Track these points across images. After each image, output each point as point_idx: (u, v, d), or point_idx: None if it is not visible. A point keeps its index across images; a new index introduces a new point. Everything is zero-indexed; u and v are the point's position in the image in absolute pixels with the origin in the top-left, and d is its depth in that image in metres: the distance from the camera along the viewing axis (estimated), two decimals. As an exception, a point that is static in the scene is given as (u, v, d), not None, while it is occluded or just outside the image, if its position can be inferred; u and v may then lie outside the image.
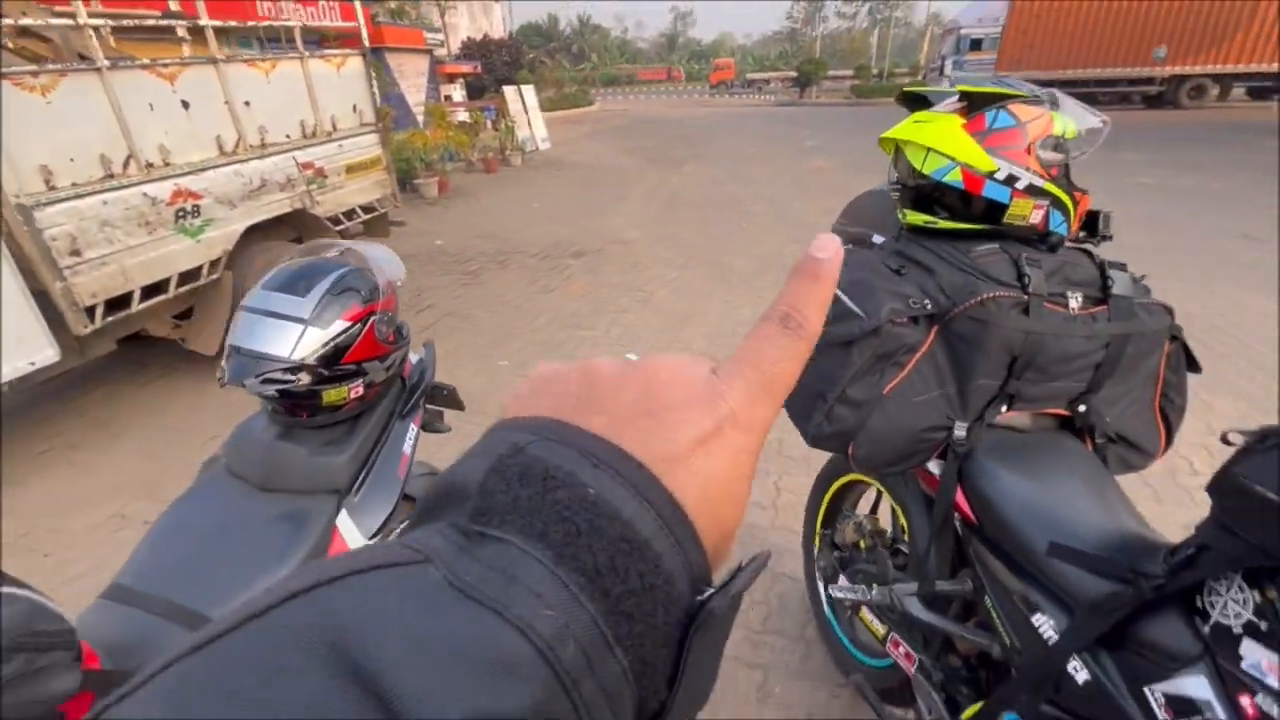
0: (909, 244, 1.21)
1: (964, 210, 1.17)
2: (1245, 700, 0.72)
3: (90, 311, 2.90)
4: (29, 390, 2.95)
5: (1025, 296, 1.07)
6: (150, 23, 3.89)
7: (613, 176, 10.27)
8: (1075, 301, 1.10)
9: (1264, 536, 0.71)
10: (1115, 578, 0.90)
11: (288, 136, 3.95)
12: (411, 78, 17.28)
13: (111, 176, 2.96)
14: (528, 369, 2.73)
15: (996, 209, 1.12)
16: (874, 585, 1.35)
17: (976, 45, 18.43)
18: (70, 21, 2.88)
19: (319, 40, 5.69)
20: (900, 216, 1.27)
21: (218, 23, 3.63)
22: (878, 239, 1.33)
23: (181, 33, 4.36)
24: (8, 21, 2.94)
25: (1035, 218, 1.12)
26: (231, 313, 3.50)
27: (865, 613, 1.47)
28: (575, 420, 0.21)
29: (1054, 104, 1.11)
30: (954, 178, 1.12)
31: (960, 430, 1.13)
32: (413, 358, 1.46)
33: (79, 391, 3.62)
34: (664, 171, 10.44)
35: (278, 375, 1.07)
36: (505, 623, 0.16)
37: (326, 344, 1.12)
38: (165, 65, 3.21)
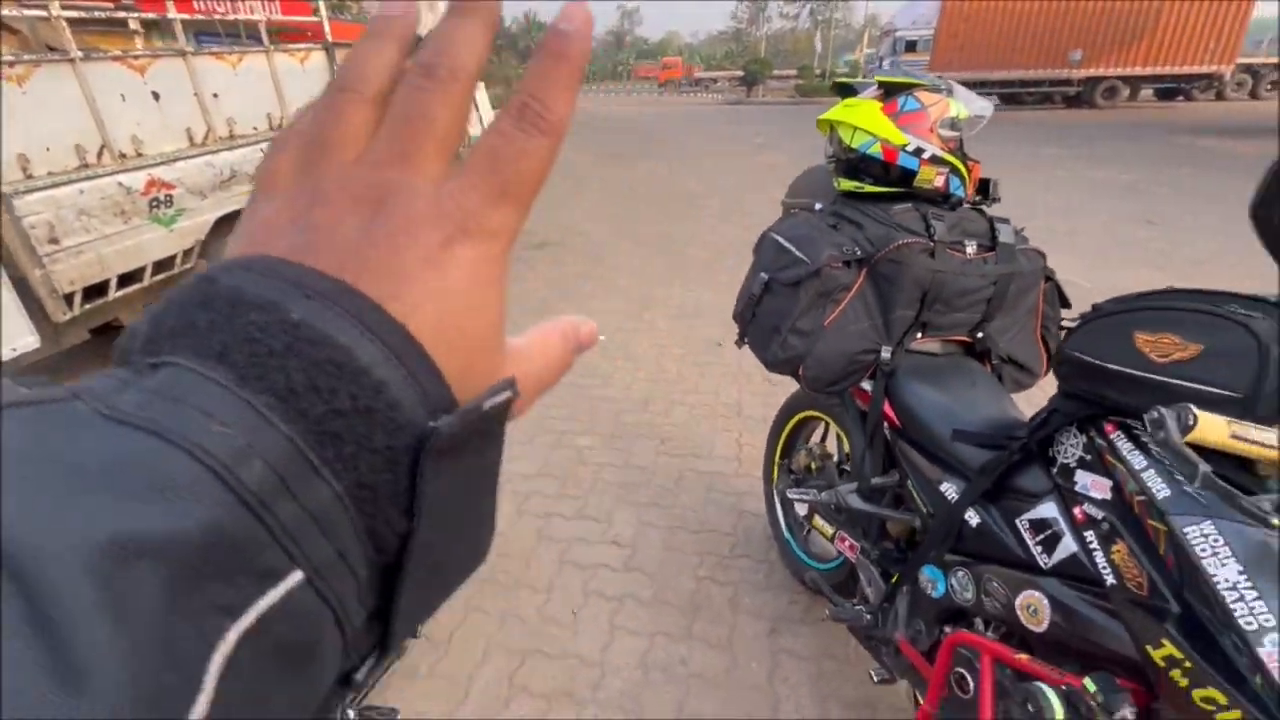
0: (843, 205, 1.50)
1: (884, 177, 1.46)
2: (1077, 510, 1.01)
3: (69, 299, 2.96)
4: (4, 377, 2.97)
5: (932, 244, 1.36)
6: (103, 15, 3.91)
7: (567, 172, 10.44)
8: (971, 248, 1.40)
9: (1087, 390, 1.01)
10: (996, 447, 1.19)
11: (255, 129, 4.02)
12: (357, 74, 16.97)
13: (86, 166, 3.02)
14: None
15: (909, 175, 1.42)
16: (823, 491, 1.64)
17: (911, 47, 19.35)
18: (43, 14, 2.92)
19: (275, 34, 5.69)
20: (835, 185, 1.55)
21: (185, 16, 3.68)
22: (818, 205, 1.62)
23: (134, 25, 4.37)
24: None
25: (939, 182, 1.42)
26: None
27: (818, 520, 1.76)
28: (290, 256, 0.18)
29: (950, 92, 1.41)
30: (875, 150, 1.42)
31: (886, 353, 1.42)
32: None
33: (50, 380, 3.61)
34: (619, 168, 10.68)
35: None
36: (164, 443, 0.14)
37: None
38: (136, 57, 3.26)
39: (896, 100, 1.41)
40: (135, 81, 3.27)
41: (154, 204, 3.32)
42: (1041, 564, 1.06)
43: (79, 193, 2.96)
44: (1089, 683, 0.86)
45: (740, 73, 35.56)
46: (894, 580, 1.41)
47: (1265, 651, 0.71)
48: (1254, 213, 0.76)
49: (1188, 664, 0.78)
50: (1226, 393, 0.79)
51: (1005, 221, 1.45)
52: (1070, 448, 1.06)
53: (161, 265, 3.40)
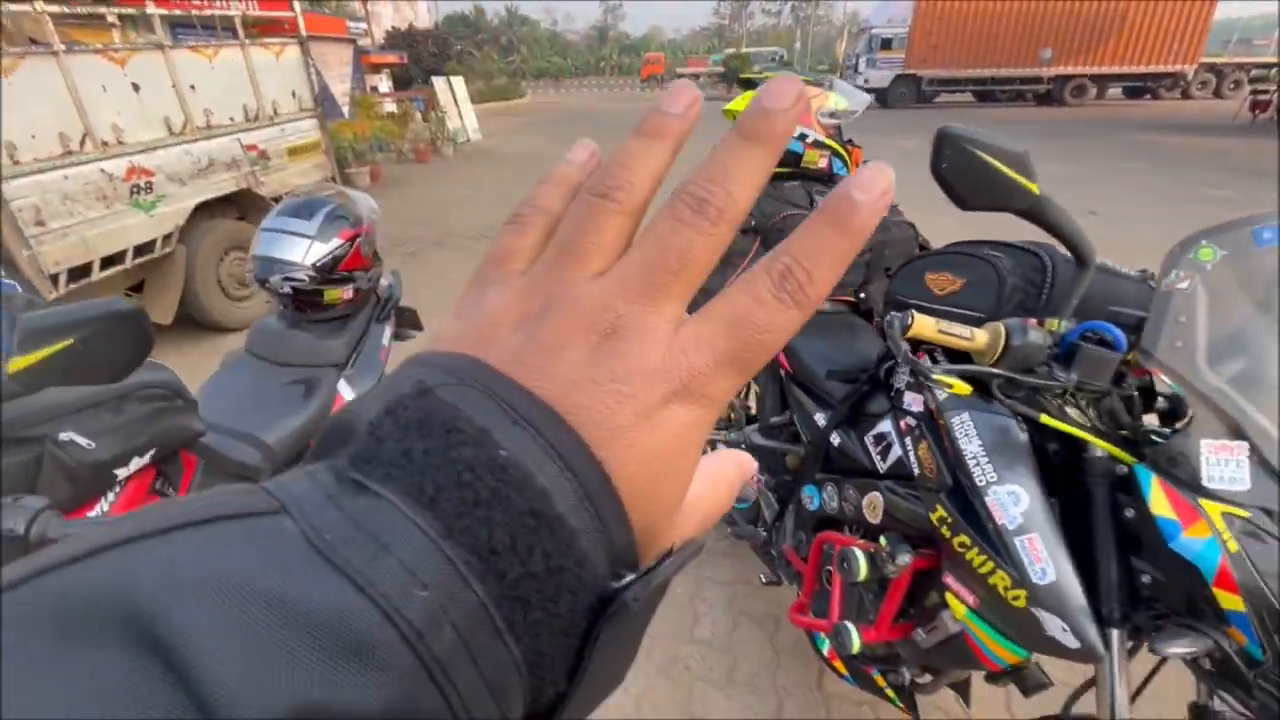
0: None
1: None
2: (903, 423, 1.26)
3: (54, 279, 3.12)
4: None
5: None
6: (83, 11, 4.05)
7: (546, 166, 10.58)
8: (849, 219, 1.65)
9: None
10: (854, 381, 1.44)
11: (231, 119, 4.19)
12: (335, 68, 16.90)
13: (70, 153, 3.18)
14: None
15: (796, 157, 1.66)
16: (734, 432, 1.89)
17: (887, 44, 19.67)
18: (27, 8, 3.08)
19: (251, 27, 5.83)
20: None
21: (163, 10, 3.84)
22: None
23: (112, 19, 4.50)
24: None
25: (822, 163, 1.66)
26: (185, 284, 3.74)
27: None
28: (506, 370, 0.18)
29: (830, 86, 1.66)
30: (768, 136, 1.66)
31: (779, 309, 1.66)
32: (384, 282, 1.88)
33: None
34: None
35: (295, 275, 1.49)
36: (365, 599, 0.14)
37: (326, 255, 1.53)
38: (116, 50, 3.43)
39: (783, 92, 1.65)
40: (116, 73, 3.44)
41: (135, 190, 3.49)
42: (880, 469, 1.31)
43: (63, 178, 3.13)
44: (883, 540, 1.11)
45: (722, 69, 35.86)
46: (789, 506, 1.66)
47: (989, 500, 0.96)
48: (933, 172, 0.94)
49: (950, 520, 1.03)
50: (978, 314, 1.04)
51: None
52: (902, 374, 1.30)
53: (142, 249, 3.57)
